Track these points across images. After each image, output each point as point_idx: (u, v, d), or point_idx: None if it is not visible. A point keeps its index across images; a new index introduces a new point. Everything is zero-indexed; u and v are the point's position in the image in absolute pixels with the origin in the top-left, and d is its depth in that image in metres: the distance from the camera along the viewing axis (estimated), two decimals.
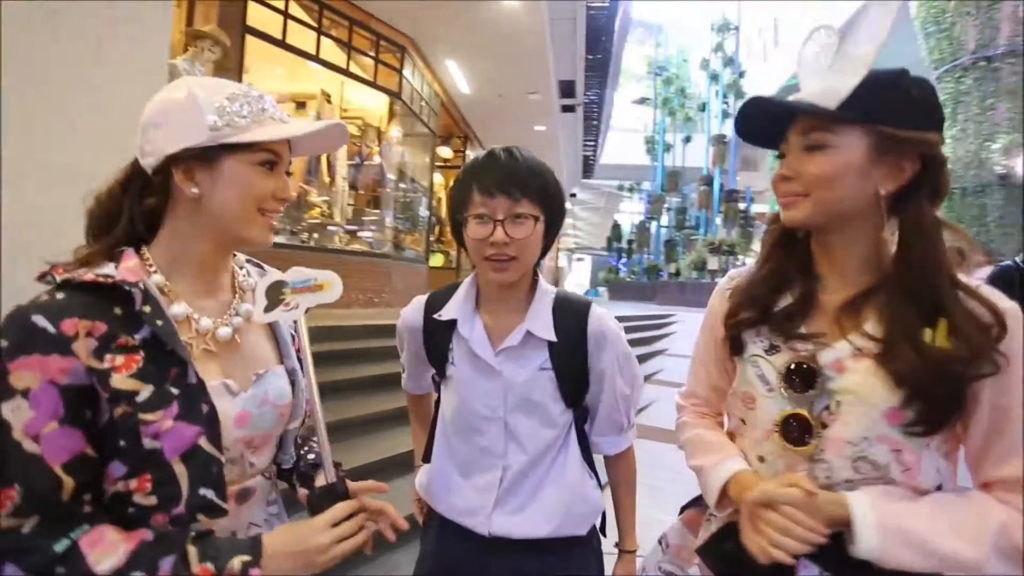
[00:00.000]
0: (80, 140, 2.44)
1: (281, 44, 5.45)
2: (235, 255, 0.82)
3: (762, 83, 24.51)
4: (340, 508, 0.67)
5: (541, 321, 0.94)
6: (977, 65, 11.98)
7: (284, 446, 0.80)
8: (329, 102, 6.50)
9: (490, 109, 9.86)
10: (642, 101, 33.15)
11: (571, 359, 0.95)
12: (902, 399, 0.64)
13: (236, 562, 0.61)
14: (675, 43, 31.97)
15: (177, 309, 0.69)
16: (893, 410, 0.65)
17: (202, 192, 0.68)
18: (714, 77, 24.99)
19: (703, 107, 26.49)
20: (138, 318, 0.63)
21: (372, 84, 6.63)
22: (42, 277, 0.63)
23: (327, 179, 6.75)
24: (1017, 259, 2.75)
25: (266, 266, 0.86)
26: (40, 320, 0.58)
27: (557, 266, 25.20)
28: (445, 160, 11.12)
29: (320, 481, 0.74)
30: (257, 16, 5.14)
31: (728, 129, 23.94)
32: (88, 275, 0.62)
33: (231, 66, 4.03)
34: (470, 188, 0.91)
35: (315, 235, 6.33)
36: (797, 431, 0.71)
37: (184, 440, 0.63)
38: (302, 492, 0.81)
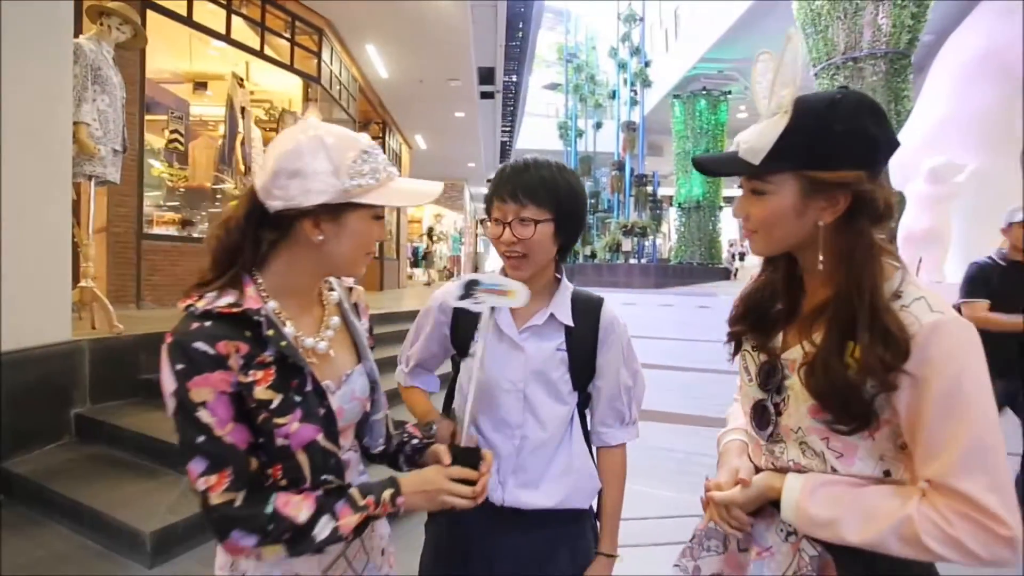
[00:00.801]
0: None
1: (187, 22, 5.03)
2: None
3: (666, 72, 25.89)
4: (458, 471, 0.83)
5: (562, 308, 1.07)
6: (847, 64, 13.50)
7: (372, 432, 0.93)
8: (242, 86, 6.09)
9: (410, 95, 9.66)
10: (554, 87, 33.76)
11: (583, 344, 1.07)
12: (817, 404, 0.74)
13: (387, 494, 0.78)
14: (583, 29, 32.73)
15: (288, 330, 0.78)
16: (814, 407, 0.75)
17: (325, 239, 0.77)
18: (622, 66, 25.99)
19: (613, 94, 27.48)
20: (264, 339, 0.74)
21: (289, 68, 6.30)
22: (186, 308, 0.73)
23: (242, 168, 6.35)
24: (992, 254, 2.68)
25: (344, 279, 0.95)
26: (201, 346, 0.70)
27: (476, 252, 25.30)
28: None
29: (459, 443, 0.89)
30: None
31: (636, 116, 25.09)
32: (224, 307, 0.73)
33: (141, 46, 3.69)
34: (491, 195, 1.04)
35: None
36: (761, 417, 0.84)
37: (305, 437, 0.75)
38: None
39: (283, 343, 0.74)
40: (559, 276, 1.11)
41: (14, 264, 2.40)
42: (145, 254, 4.65)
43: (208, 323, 0.71)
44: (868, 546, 0.69)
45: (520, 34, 12.22)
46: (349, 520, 0.74)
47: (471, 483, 0.83)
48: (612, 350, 1.10)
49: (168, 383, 0.70)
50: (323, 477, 0.77)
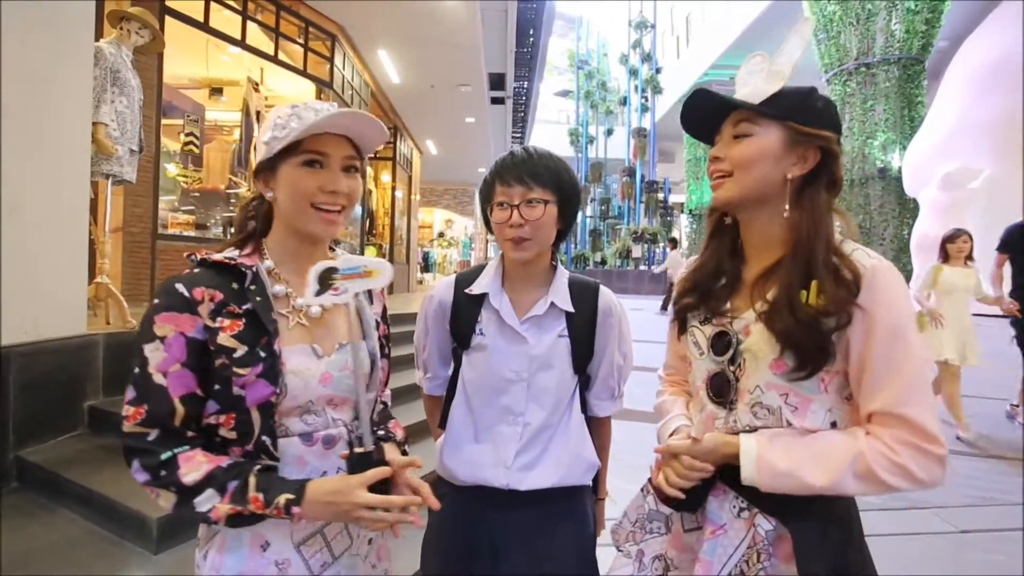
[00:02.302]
0: (9, 122, 2.28)
1: (204, 28, 5.15)
2: (333, 248, 0.95)
3: (677, 79, 25.87)
4: (372, 472, 0.76)
5: (561, 295, 1.09)
6: (859, 70, 13.41)
7: (361, 413, 0.90)
8: (257, 90, 6.21)
9: (421, 100, 9.77)
10: (565, 94, 33.90)
11: (583, 329, 1.10)
12: (781, 350, 0.78)
13: (282, 499, 0.73)
14: (595, 36, 32.85)
15: (277, 288, 0.83)
16: (776, 361, 0.79)
17: (275, 195, 0.84)
18: (633, 72, 26.03)
19: (624, 101, 27.51)
20: (246, 293, 0.78)
21: (302, 72, 6.41)
22: (189, 256, 0.81)
23: None
24: None
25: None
26: (180, 287, 0.76)
27: (487, 257, 25.36)
28: (376, 152, 10.88)
29: (359, 448, 0.83)
30: None
31: (647, 122, 25.09)
32: (217, 256, 0.79)
33: (159, 50, 3.79)
34: (493, 182, 1.07)
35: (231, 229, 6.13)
36: (718, 386, 0.87)
37: (261, 394, 0.77)
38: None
39: (259, 299, 0.79)
40: (555, 264, 1.14)
41: (33, 258, 2.48)
42: (160, 254, 4.75)
43: (198, 270, 0.78)
44: (828, 488, 0.74)
45: (531, 40, 12.32)
46: (223, 507, 0.72)
47: (385, 485, 0.78)
48: (610, 333, 1.13)
49: (144, 314, 0.77)
50: (263, 438, 0.78)
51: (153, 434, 0.74)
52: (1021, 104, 10.45)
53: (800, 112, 0.83)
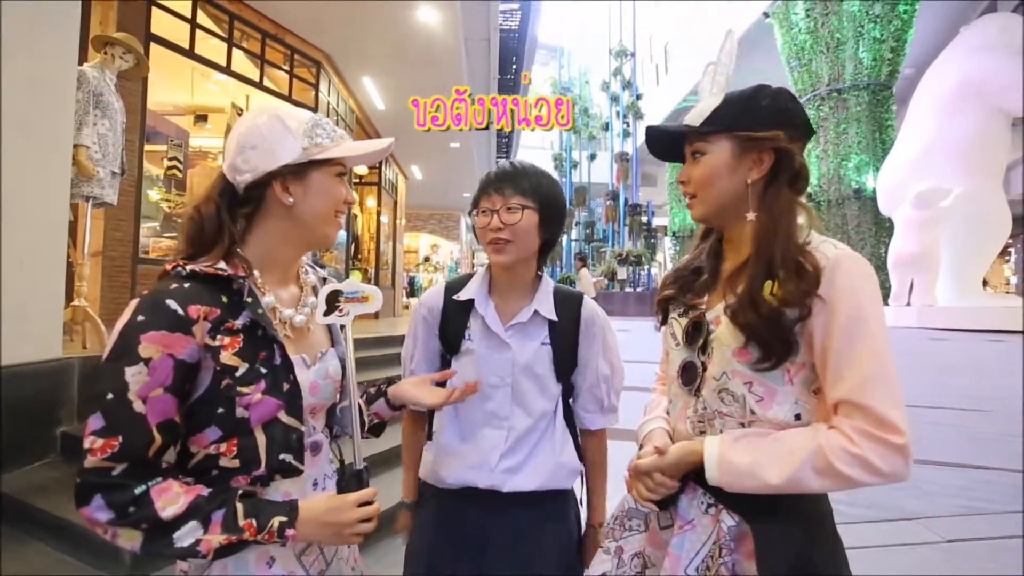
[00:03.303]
0: None
1: (190, 54, 5.19)
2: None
3: (657, 105, 26.57)
4: (366, 492, 0.78)
5: (545, 304, 1.12)
6: (831, 96, 13.93)
7: (342, 420, 0.93)
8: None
9: (406, 126, 9.86)
10: None
11: (566, 338, 1.13)
12: (745, 342, 0.80)
13: (275, 522, 0.70)
14: (576, 64, 33.68)
15: (267, 300, 0.80)
16: (739, 349, 0.81)
17: (295, 201, 0.81)
18: (615, 99, 26.68)
19: (606, 126, 28.09)
20: (240, 306, 0.75)
21: (287, 99, 6.47)
22: (173, 268, 0.74)
23: None
24: None
25: (318, 268, 0.99)
26: (172, 304, 0.70)
27: None
28: (360, 177, 10.95)
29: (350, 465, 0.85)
30: (161, 24, 4.88)
31: (629, 147, 25.61)
32: (210, 268, 0.74)
33: (143, 75, 3.81)
34: (479, 193, 1.11)
35: None
36: (689, 375, 0.89)
37: (266, 411, 0.74)
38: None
39: (259, 311, 0.76)
40: (540, 274, 1.17)
41: (7, 280, 2.43)
42: (140, 279, 4.68)
43: (187, 284, 0.72)
44: (788, 485, 0.73)
45: (514, 68, 12.61)
46: (214, 538, 0.67)
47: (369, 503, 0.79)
48: (593, 343, 1.15)
49: (119, 330, 0.69)
50: (281, 457, 0.75)
51: (120, 467, 0.65)
52: (984, 125, 10.89)
53: (744, 118, 0.85)
